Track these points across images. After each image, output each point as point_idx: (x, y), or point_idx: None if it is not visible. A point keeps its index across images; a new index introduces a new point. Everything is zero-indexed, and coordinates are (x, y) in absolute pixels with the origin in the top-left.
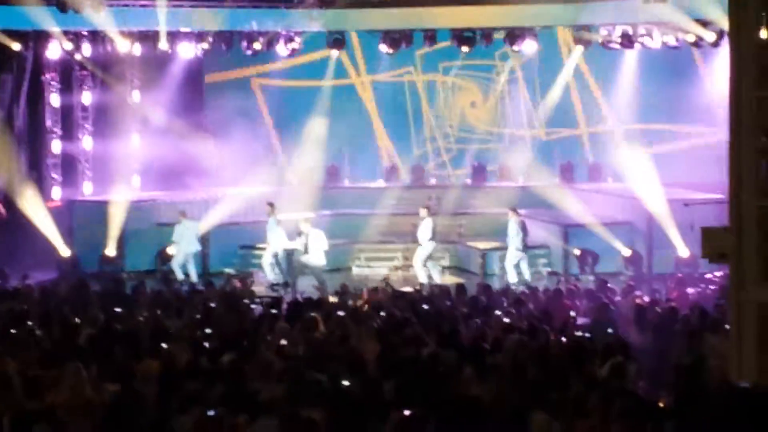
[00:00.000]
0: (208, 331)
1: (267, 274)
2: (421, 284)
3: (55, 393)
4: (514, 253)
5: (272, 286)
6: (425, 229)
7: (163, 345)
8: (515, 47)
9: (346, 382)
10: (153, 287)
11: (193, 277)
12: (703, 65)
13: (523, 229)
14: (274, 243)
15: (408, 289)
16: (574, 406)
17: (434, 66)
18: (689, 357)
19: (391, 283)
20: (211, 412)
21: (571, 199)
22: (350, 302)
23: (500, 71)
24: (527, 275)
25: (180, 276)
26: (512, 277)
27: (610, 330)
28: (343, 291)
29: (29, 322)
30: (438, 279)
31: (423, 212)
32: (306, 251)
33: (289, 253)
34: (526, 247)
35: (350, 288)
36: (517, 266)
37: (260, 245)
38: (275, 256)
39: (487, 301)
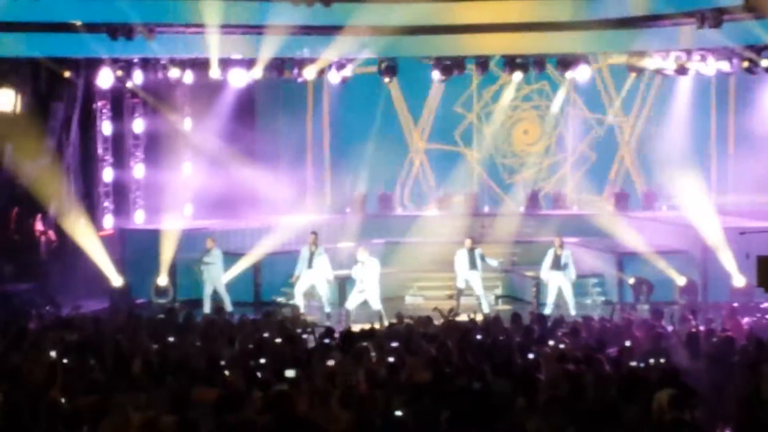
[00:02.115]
0: (261, 360)
1: (300, 303)
2: (475, 313)
3: (105, 425)
4: (568, 283)
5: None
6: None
7: (217, 374)
8: (568, 74)
9: (399, 413)
10: (204, 316)
11: (228, 305)
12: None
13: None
14: (318, 273)
15: (462, 318)
16: None
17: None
18: (746, 388)
19: (443, 312)
20: None
21: (626, 227)
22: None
23: (553, 98)
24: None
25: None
26: (573, 308)
27: (665, 360)
28: (399, 320)
29: (82, 352)
30: (487, 308)
31: (468, 242)
32: (361, 281)
33: (342, 282)
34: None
35: (405, 316)
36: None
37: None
38: (312, 286)
39: (540, 331)
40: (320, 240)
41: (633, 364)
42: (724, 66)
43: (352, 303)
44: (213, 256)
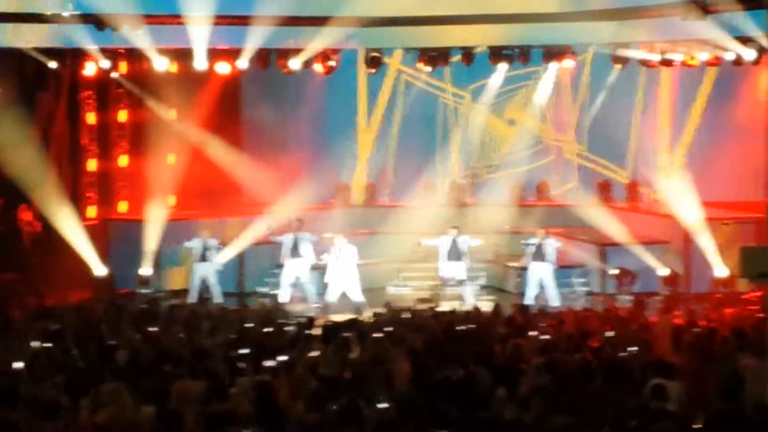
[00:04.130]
0: (243, 351)
1: (287, 293)
2: (461, 304)
3: (99, 414)
4: (550, 274)
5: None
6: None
7: (200, 364)
8: (553, 65)
9: (382, 405)
10: (187, 306)
11: (218, 296)
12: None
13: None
14: (303, 262)
15: (445, 308)
16: (613, 427)
17: (471, 83)
18: (726, 378)
19: (428, 302)
20: None
21: (609, 218)
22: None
23: (537, 89)
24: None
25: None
26: (555, 300)
27: (647, 350)
28: (388, 310)
29: (65, 342)
30: (471, 298)
31: (453, 231)
32: (334, 270)
33: (323, 271)
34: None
35: (393, 307)
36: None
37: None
38: (297, 276)
39: (523, 321)
40: (306, 229)
41: (615, 354)
42: (710, 57)
43: (332, 295)
44: (213, 251)
